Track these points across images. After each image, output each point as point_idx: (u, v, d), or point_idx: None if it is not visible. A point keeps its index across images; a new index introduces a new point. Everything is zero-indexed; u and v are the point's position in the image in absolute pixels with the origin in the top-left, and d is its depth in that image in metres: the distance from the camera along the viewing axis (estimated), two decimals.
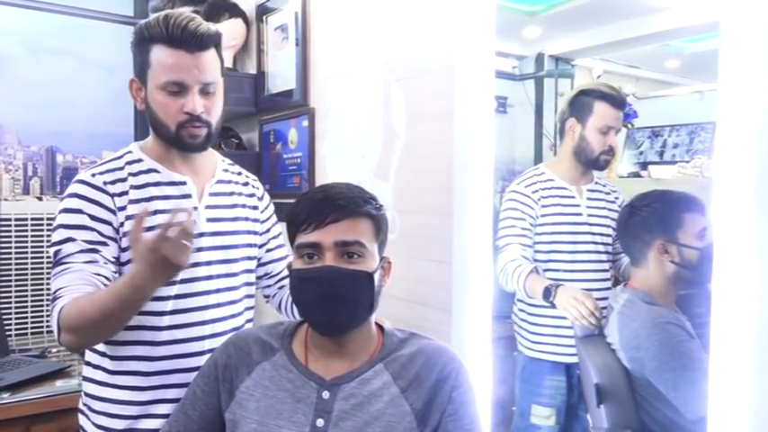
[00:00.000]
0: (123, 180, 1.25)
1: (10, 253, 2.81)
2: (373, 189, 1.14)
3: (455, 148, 1.57)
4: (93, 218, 1.20)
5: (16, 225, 2.83)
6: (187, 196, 1.30)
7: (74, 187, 1.24)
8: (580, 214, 1.96)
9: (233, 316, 1.34)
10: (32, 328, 2.86)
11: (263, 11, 2.45)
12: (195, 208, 1.28)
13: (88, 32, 3.36)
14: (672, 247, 1.57)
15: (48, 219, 2.89)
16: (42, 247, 2.89)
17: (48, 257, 2.91)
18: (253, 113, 2.50)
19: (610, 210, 2.02)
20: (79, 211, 1.20)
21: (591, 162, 1.97)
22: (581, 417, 2.00)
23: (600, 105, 1.94)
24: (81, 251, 1.17)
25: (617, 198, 2.07)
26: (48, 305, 2.90)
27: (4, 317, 2.65)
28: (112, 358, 1.26)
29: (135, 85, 1.28)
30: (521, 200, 1.94)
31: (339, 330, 1.06)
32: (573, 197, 1.98)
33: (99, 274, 1.16)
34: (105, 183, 1.23)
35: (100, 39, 3.41)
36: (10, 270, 2.81)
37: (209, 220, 1.31)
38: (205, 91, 1.24)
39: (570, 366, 1.93)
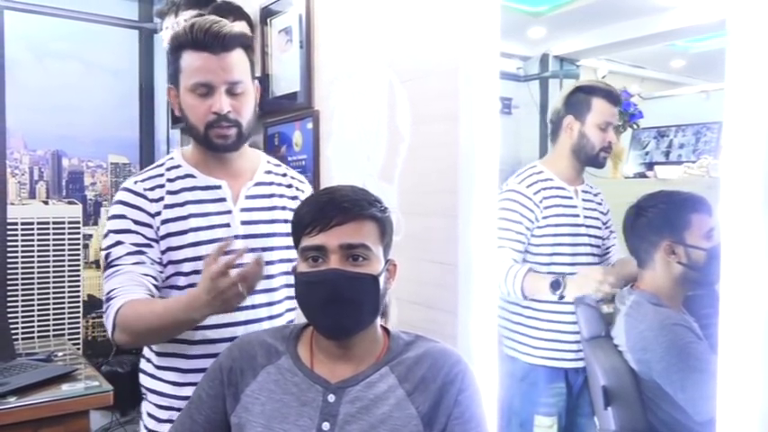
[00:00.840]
0: (161, 186, 1.31)
1: (16, 257, 2.82)
2: (378, 191, 1.14)
3: (460, 149, 1.56)
4: (136, 222, 1.28)
5: (23, 229, 2.83)
6: (221, 200, 1.33)
7: (118, 195, 1.33)
8: (578, 215, 1.94)
9: (270, 317, 1.36)
10: (39, 331, 2.87)
11: (267, 13, 2.45)
12: (229, 211, 1.32)
13: (94, 37, 3.37)
14: (679, 248, 1.56)
15: (54, 222, 2.90)
16: (48, 250, 2.91)
17: (54, 261, 2.92)
18: (257, 116, 2.49)
19: (600, 212, 2.01)
20: (123, 217, 1.28)
21: (590, 159, 1.94)
22: (578, 422, 1.96)
23: (598, 102, 1.92)
24: (129, 253, 1.26)
25: (602, 200, 2.06)
26: (55, 310, 2.92)
27: (11, 320, 2.66)
28: (157, 354, 1.35)
29: (172, 92, 1.33)
30: (521, 201, 1.89)
31: (344, 334, 1.05)
32: (571, 198, 1.94)
33: (147, 275, 1.25)
34: (145, 189, 1.30)
35: (105, 43, 3.43)
36: (16, 274, 2.82)
37: (244, 222, 1.33)
38: (232, 91, 1.27)
39: (569, 372, 1.90)
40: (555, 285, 1.73)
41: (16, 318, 2.78)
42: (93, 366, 2.29)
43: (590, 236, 1.94)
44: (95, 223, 3.50)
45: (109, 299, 1.22)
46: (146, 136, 3.60)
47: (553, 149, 2.02)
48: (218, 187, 1.33)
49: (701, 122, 2.82)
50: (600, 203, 2.03)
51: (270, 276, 1.35)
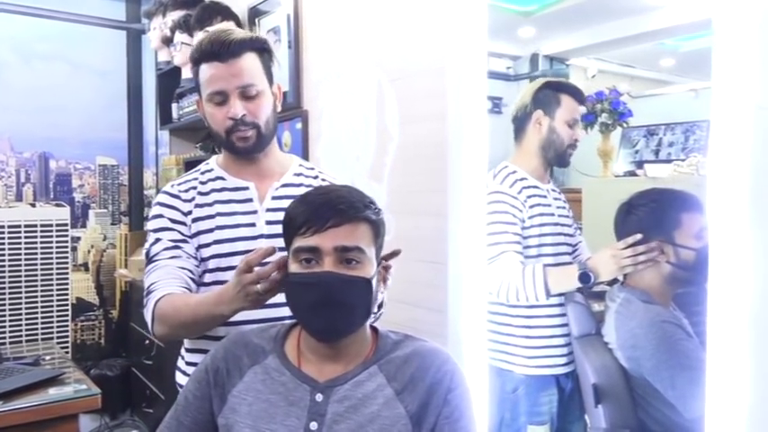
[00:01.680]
0: (194, 188, 1.39)
1: (3, 260, 2.80)
2: (367, 191, 1.13)
3: (449, 148, 1.56)
4: (172, 221, 1.35)
5: (10, 232, 2.81)
6: (248, 201, 1.37)
7: (157, 197, 1.41)
8: (553, 214, 1.93)
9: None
10: (27, 335, 2.85)
11: (255, 13, 2.44)
12: (255, 211, 1.36)
13: (81, 38, 3.35)
14: (668, 247, 1.56)
15: (42, 225, 2.88)
16: (36, 253, 2.88)
17: (42, 264, 2.89)
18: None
19: (567, 209, 2.01)
20: (161, 216, 1.36)
21: (558, 156, 1.91)
22: (568, 429, 1.95)
23: (566, 98, 1.91)
24: (166, 248, 1.32)
25: (566, 201, 2.05)
26: (43, 313, 2.90)
27: None
28: (187, 350, 1.40)
29: (199, 105, 1.39)
30: (510, 202, 1.84)
31: (336, 336, 1.05)
32: (545, 196, 1.93)
33: (183, 268, 1.31)
34: (180, 191, 1.38)
35: (92, 44, 3.40)
36: (4, 277, 2.80)
37: (269, 222, 1.35)
38: (246, 95, 1.31)
39: (560, 377, 1.89)
40: (585, 278, 1.67)
41: (3, 321, 2.76)
42: (81, 370, 2.27)
43: (564, 234, 1.94)
44: (84, 225, 3.48)
45: (148, 293, 1.27)
46: (134, 137, 3.58)
47: (519, 147, 1.97)
48: (246, 188, 1.38)
49: (690, 121, 2.83)
50: (565, 201, 2.03)
51: None
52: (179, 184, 1.40)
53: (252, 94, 1.31)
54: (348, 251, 1.01)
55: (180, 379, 1.41)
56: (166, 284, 1.26)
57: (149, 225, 1.39)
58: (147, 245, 1.37)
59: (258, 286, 1.07)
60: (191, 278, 1.31)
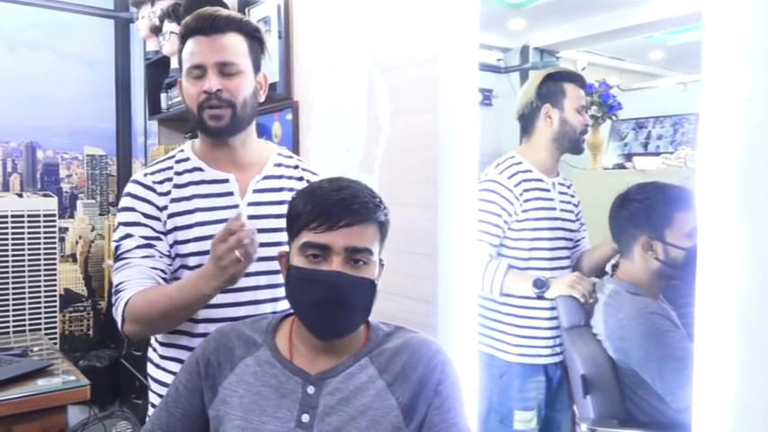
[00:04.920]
0: (169, 180, 1.32)
1: None
2: None
3: (440, 140, 1.56)
4: (145, 215, 1.29)
5: None
6: (229, 194, 1.32)
7: (128, 187, 1.33)
8: (554, 209, 1.93)
9: (275, 300, 1.34)
10: (14, 326, 2.83)
11: (245, 3, 2.42)
12: (236, 206, 1.31)
13: (67, 26, 3.31)
14: (657, 244, 1.56)
15: (29, 216, 2.85)
16: (23, 244, 2.86)
17: (29, 255, 2.87)
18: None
19: (573, 204, 2.01)
20: (132, 210, 1.29)
21: (573, 144, 1.92)
22: (555, 417, 1.97)
23: (570, 87, 1.92)
24: (138, 246, 1.26)
25: (574, 191, 2.06)
26: (30, 304, 2.88)
27: None
28: (161, 344, 1.35)
29: (180, 85, 1.34)
30: (501, 192, 1.86)
31: (335, 335, 1.05)
32: (548, 190, 1.93)
33: (156, 268, 1.26)
34: (154, 182, 1.31)
35: (80, 33, 3.36)
36: None
37: (251, 217, 1.29)
38: (225, 72, 1.27)
39: (548, 366, 1.90)
40: (539, 284, 1.75)
41: None
42: (70, 361, 2.26)
43: (564, 230, 1.95)
44: (71, 216, 3.45)
45: (118, 291, 1.23)
46: (122, 127, 3.54)
47: (528, 141, 1.98)
48: (226, 181, 1.33)
49: (678, 114, 2.85)
50: (573, 196, 2.03)
51: (277, 272, 1.31)
52: (152, 174, 1.33)
53: (231, 71, 1.27)
54: (358, 252, 1.01)
55: (152, 371, 1.38)
56: (137, 284, 1.22)
57: (119, 217, 1.31)
58: (115, 236, 1.30)
59: (237, 253, 1.06)
60: (163, 278, 1.26)
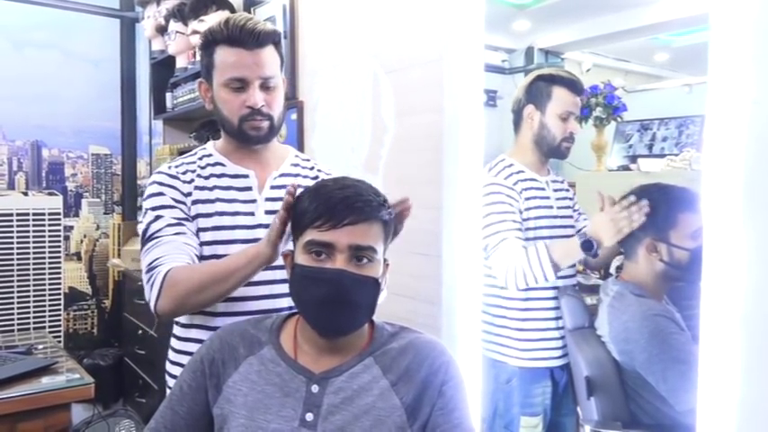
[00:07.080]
0: (193, 171, 1.37)
1: None
2: None
3: (444, 140, 1.56)
4: (174, 200, 1.32)
5: (1, 221, 2.79)
6: (248, 189, 1.37)
7: (153, 177, 1.37)
8: (551, 207, 1.91)
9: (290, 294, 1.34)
10: (19, 324, 2.84)
11: (250, 3, 2.43)
12: (254, 200, 1.35)
13: (74, 26, 3.32)
14: (661, 246, 1.56)
15: (34, 214, 2.86)
16: (28, 242, 2.87)
17: (34, 253, 2.88)
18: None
19: (569, 198, 1.99)
20: (161, 194, 1.32)
21: (552, 150, 1.88)
22: (561, 422, 1.96)
23: (559, 90, 1.85)
24: (169, 225, 1.28)
25: (568, 185, 2.03)
26: (35, 302, 2.89)
27: None
28: (181, 325, 1.37)
29: (203, 87, 1.37)
30: (506, 192, 1.82)
31: (339, 334, 1.05)
32: (544, 189, 1.91)
33: (188, 244, 1.27)
34: (178, 173, 1.36)
35: (86, 32, 3.38)
36: None
37: (268, 212, 1.34)
38: (265, 86, 1.31)
39: (554, 369, 1.89)
40: (587, 246, 1.64)
41: None
42: (74, 359, 2.26)
43: (564, 227, 1.93)
44: (76, 215, 3.46)
45: (152, 268, 1.22)
46: (128, 126, 3.55)
47: (516, 141, 1.94)
48: (246, 176, 1.37)
49: (683, 116, 2.85)
50: (567, 190, 2.01)
51: None
52: (176, 166, 1.37)
53: (271, 85, 1.32)
54: (362, 250, 1.01)
55: (171, 369, 1.39)
56: (174, 259, 1.22)
57: (147, 204, 1.33)
58: (143, 224, 1.31)
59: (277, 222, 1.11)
60: (196, 255, 1.26)
